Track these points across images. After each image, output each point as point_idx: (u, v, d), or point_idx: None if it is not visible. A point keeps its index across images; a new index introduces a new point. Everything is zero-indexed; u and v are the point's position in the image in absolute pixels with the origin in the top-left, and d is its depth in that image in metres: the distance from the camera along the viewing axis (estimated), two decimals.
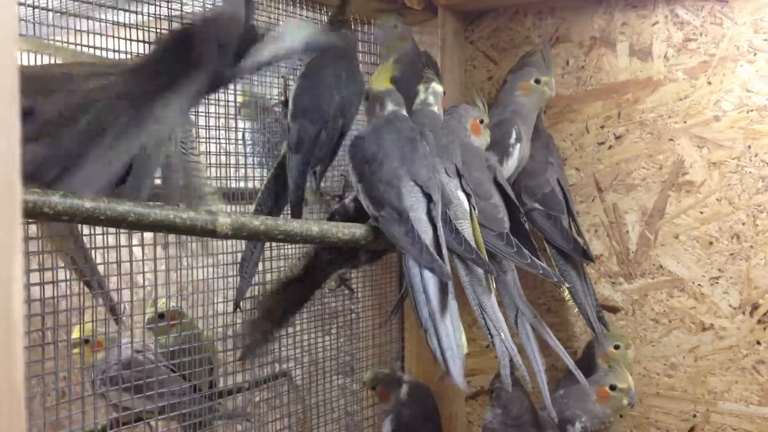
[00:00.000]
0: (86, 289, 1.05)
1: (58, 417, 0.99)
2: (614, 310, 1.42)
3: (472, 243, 1.05)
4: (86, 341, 1.14)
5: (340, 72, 1.18)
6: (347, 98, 1.17)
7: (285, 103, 1.30)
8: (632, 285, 1.40)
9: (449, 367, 0.93)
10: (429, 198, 1.01)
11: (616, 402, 1.23)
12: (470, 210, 1.12)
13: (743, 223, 1.30)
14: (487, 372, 1.54)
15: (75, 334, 1.14)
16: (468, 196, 1.13)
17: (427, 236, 0.98)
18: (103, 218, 0.70)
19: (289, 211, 1.17)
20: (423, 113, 1.22)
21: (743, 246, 1.30)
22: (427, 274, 0.97)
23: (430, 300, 0.96)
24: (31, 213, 0.65)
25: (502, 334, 1.06)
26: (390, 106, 1.13)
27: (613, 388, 1.23)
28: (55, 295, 0.99)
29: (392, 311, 1.38)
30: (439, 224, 1.00)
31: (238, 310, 1.23)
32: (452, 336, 0.95)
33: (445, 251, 0.97)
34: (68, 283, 1.02)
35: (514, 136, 1.30)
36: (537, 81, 1.34)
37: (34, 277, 0.98)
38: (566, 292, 1.30)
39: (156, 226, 0.76)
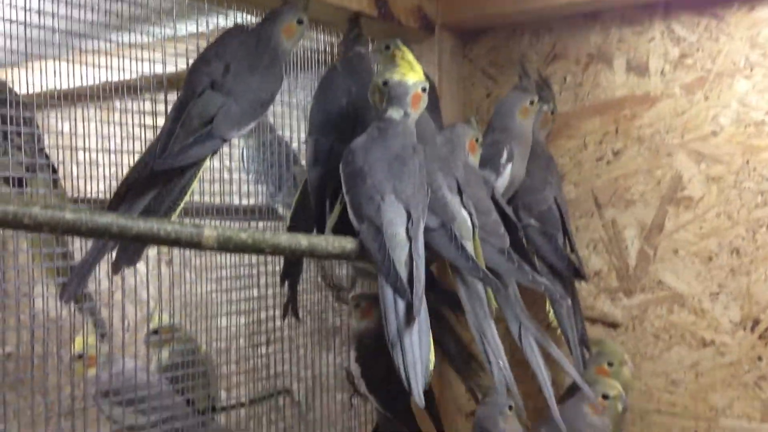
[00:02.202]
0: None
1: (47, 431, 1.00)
2: (614, 325, 1.41)
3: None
4: (80, 356, 1.15)
5: (350, 86, 1.18)
6: (362, 109, 1.16)
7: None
8: (632, 301, 1.39)
9: (410, 384, 0.92)
10: (409, 215, 1.00)
11: (612, 410, 1.22)
12: (473, 228, 1.12)
13: (743, 238, 1.29)
14: None
15: (77, 347, 1.15)
16: (470, 214, 1.12)
17: (403, 253, 0.97)
18: (84, 230, 0.71)
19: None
20: (419, 121, 1.20)
21: (743, 261, 1.29)
22: None
23: (399, 316, 0.94)
24: (12, 224, 0.66)
25: (500, 362, 1.05)
26: (394, 112, 1.06)
27: (605, 397, 1.21)
28: (45, 309, 1.01)
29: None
30: (419, 243, 0.99)
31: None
32: (418, 352, 0.93)
33: (418, 270, 0.96)
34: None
35: (505, 155, 1.30)
36: (531, 102, 1.34)
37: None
38: (551, 311, 1.30)
39: (140, 238, 0.77)
